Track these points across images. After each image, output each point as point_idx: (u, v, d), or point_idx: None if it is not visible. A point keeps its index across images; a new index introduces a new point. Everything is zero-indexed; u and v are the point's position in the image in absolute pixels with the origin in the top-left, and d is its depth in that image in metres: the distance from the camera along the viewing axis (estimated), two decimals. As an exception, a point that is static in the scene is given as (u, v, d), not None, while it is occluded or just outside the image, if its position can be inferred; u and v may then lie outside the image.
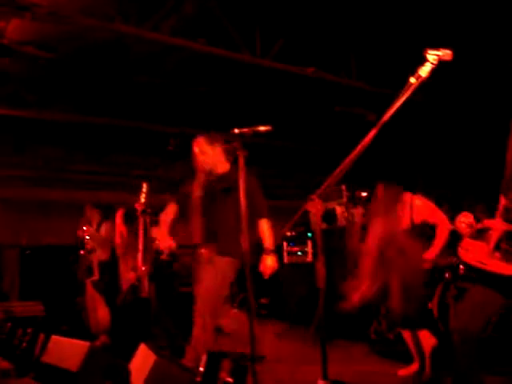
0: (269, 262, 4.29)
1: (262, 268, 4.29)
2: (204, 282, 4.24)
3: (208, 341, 4.09)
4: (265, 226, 4.38)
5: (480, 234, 3.17)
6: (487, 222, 3.22)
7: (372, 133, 2.59)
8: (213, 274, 4.23)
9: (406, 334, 4.77)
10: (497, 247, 3.07)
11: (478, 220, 3.18)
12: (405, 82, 2.51)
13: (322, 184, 2.65)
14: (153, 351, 3.43)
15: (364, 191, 7.38)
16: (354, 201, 7.42)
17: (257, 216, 4.33)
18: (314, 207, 2.63)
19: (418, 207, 4.60)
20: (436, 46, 2.47)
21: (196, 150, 4.49)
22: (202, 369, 3.10)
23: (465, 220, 3.15)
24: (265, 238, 4.36)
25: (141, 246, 5.55)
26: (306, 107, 8.18)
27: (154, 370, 3.22)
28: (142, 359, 3.52)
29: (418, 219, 4.57)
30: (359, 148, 2.60)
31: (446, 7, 5.67)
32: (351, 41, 6.81)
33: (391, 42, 6.45)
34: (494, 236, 3.11)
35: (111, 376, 3.61)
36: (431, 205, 4.64)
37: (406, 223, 4.59)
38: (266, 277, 4.25)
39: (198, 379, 3.08)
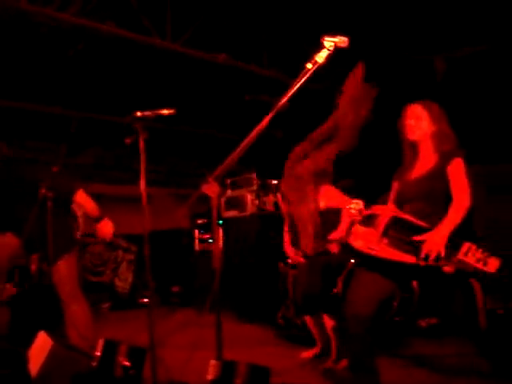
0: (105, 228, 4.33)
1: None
2: None
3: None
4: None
5: (369, 220, 3.28)
6: (376, 208, 3.33)
7: (267, 117, 2.64)
8: None
9: (308, 318, 4.89)
10: (385, 233, 3.17)
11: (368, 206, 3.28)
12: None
13: (219, 167, 2.66)
14: (51, 338, 3.37)
15: (275, 179, 7.48)
16: (265, 189, 7.51)
17: None
18: (210, 189, 2.64)
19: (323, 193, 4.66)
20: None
21: None
22: (98, 353, 3.06)
23: (355, 207, 3.24)
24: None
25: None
26: (214, 93, 8.15)
27: (50, 355, 3.17)
28: (40, 346, 3.45)
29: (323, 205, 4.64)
30: (255, 132, 2.63)
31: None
32: (263, 29, 6.86)
33: (300, 29, 6.54)
34: (382, 222, 3.23)
35: (8, 363, 3.52)
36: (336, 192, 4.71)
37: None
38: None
39: (95, 364, 3.05)
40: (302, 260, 4.75)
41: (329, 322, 4.68)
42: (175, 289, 9.82)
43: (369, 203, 3.30)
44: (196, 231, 8.67)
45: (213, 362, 2.40)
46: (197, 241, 8.67)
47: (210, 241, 8.42)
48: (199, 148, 10.53)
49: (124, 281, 11.53)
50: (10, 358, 3.50)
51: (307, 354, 4.92)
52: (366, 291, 3.22)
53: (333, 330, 4.64)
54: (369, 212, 3.28)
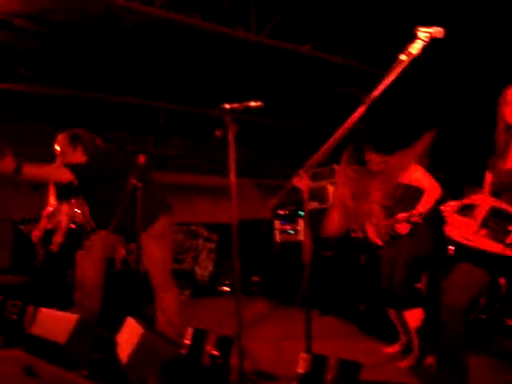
0: None
1: None
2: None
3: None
4: None
5: (467, 211, 3.18)
6: (475, 198, 3.22)
7: (361, 110, 2.59)
8: None
9: (392, 312, 4.81)
10: (484, 224, 3.07)
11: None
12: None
13: (310, 160, 2.65)
14: (140, 324, 3.46)
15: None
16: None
17: None
18: (301, 182, 2.63)
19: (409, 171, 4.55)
20: (429, 25, 2.47)
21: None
22: (187, 342, 3.12)
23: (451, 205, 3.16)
24: None
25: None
26: (299, 85, 8.14)
27: (140, 342, 3.25)
28: (129, 332, 3.54)
29: (407, 180, 4.53)
30: (347, 124, 2.60)
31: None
32: (347, 19, 6.78)
33: (386, 20, 6.42)
34: (481, 212, 3.13)
35: (99, 348, 3.64)
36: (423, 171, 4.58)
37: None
38: None
39: (184, 352, 3.11)
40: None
41: (411, 318, 4.58)
42: (255, 278, 9.92)
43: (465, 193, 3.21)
44: (276, 222, 8.69)
45: (303, 355, 2.40)
46: (277, 232, 8.70)
47: (291, 232, 8.43)
48: (282, 140, 10.57)
49: (204, 269, 11.77)
50: (102, 344, 3.62)
51: (391, 349, 4.85)
52: (462, 282, 3.15)
53: (416, 325, 4.54)
54: (467, 202, 3.18)
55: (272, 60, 7.17)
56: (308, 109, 9.09)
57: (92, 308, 4.54)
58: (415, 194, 4.49)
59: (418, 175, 4.50)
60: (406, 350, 4.69)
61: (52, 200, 6.35)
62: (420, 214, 4.17)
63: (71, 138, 4.53)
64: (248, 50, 6.84)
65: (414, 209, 4.34)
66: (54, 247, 5.91)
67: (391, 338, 4.95)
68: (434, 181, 4.50)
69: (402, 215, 4.32)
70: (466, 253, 3.14)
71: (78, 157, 4.48)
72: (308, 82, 7.99)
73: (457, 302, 3.09)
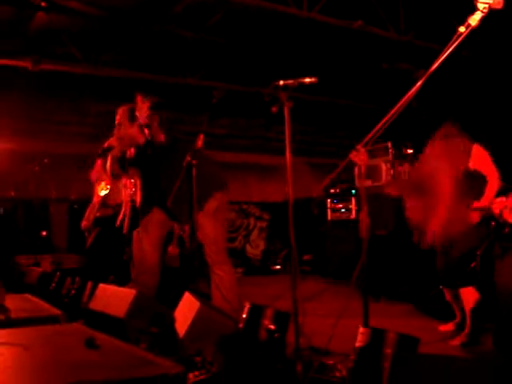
0: None
1: None
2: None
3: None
4: None
5: None
6: None
7: (418, 85, 2.56)
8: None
9: (447, 291, 4.77)
10: None
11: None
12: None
13: (367, 136, 2.64)
14: (197, 299, 3.51)
15: (410, 148, 7.29)
16: (400, 158, 7.34)
17: None
18: (359, 158, 2.63)
19: (475, 155, 4.46)
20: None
21: None
22: (244, 316, 3.17)
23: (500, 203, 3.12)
24: None
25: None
26: (351, 62, 8.05)
27: (197, 317, 3.31)
28: (187, 307, 3.61)
29: (472, 165, 4.45)
30: (404, 100, 2.58)
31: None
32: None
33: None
34: None
35: (157, 323, 3.72)
36: (487, 156, 4.49)
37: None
38: None
39: (241, 326, 3.15)
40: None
41: (466, 296, 4.53)
42: (306, 257, 9.95)
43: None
44: (328, 200, 8.68)
45: (362, 329, 2.41)
46: (329, 210, 8.68)
47: (343, 210, 8.41)
48: (334, 117, 10.49)
49: (256, 247, 11.87)
50: (160, 318, 3.70)
51: (446, 327, 4.81)
52: None
53: (471, 304, 4.49)
54: None
55: (325, 37, 7.11)
56: (362, 86, 8.98)
57: (150, 284, 4.64)
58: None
59: (483, 159, 4.42)
60: (460, 328, 4.65)
61: (104, 185, 6.50)
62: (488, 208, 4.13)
63: (130, 112, 4.62)
64: (300, 27, 6.80)
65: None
66: (116, 224, 6.07)
67: (447, 317, 4.91)
68: (495, 168, 4.41)
69: (477, 204, 4.28)
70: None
71: (135, 131, 4.57)
72: (362, 59, 7.89)
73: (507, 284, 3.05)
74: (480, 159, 4.45)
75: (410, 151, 7.25)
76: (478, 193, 4.34)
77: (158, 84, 8.24)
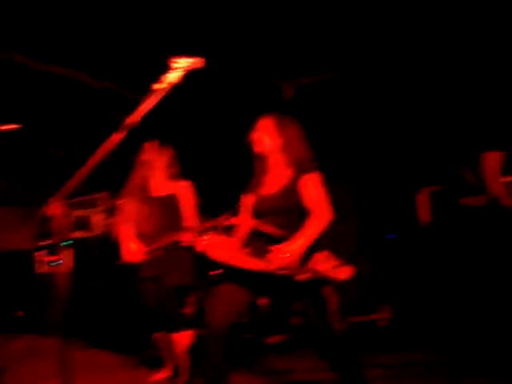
0: None
1: None
2: None
3: None
4: None
5: (229, 231, 3.27)
6: (237, 220, 3.34)
7: (118, 136, 2.53)
8: None
9: (159, 337, 4.73)
10: (245, 244, 3.23)
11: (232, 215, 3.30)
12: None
13: (63, 187, 2.51)
14: None
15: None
16: (113, 209, 7.31)
17: None
18: (53, 210, 2.48)
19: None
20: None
21: None
22: None
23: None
24: None
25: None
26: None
27: None
28: None
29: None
30: (103, 151, 2.51)
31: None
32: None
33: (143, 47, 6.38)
34: (242, 233, 3.26)
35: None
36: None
37: None
38: None
39: None
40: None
41: (180, 341, 4.57)
42: (20, 313, 9.25)
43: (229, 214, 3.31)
44: (38, 253, 8.27)
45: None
46: (40, 263, 8.26)
47: (54, 263, 8.04)
48: (34, 165, 9.92)
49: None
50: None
51: (158, 376, 4.77)
52: (224, 303, 3.19)
53: (185, 349, 4.54)
54: (227, 223, 3.28)
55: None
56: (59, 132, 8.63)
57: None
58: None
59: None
60: (175, 375, 4.66)
61: None
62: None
63: None
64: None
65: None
66: None
67: (156, 365, 4.88)
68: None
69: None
70: (229, 272, 3.24)
71: None
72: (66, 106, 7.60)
73: (216, 324, 3.11)
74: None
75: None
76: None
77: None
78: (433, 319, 5.58)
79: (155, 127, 4.66)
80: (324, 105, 7.06)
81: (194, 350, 4.48)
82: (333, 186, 6.05)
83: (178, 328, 4.54)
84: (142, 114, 2.55)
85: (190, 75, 2.51)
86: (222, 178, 6.75)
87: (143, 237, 4.52)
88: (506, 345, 4.01)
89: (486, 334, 4.52)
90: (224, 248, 3.20)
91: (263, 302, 5.44)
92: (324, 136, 6.96)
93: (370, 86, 6.82)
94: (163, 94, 2.53)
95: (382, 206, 6.91)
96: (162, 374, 4.79)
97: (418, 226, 6.23)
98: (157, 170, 4.64)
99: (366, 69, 6.63)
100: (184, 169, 4.76)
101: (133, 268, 4.63)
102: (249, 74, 6.66)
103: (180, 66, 2.47)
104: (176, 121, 7.27)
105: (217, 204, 4.54)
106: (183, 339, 4.55)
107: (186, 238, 4.29)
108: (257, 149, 3.40)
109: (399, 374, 4.42)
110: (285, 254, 3.00)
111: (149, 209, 4.57)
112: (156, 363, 4.91)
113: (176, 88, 2.55)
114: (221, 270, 3.90)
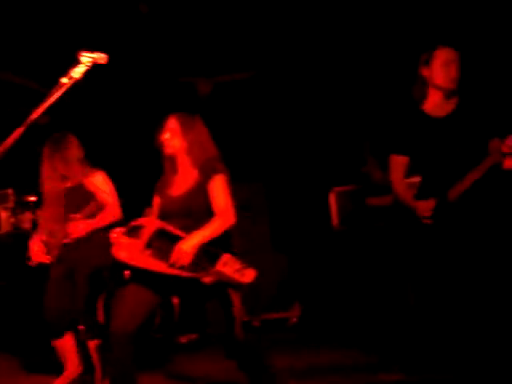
0: None
1: None
2: None
3: None
4: None
5: (134, 232, 3.24)
6: (141, 220, 3.31)
7: (18, 131, 2.43)
8: None
9: (58, 340, 4.56)
10: (149, 245, 3.17)
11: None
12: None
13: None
14: None
15: (33, 196, 7.05)
16: (21, 206, 7.05)
17: None
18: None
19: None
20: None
21: None
22: None
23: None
24: None
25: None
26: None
27: None
28: None
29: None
30: (5, 145, 2.41)
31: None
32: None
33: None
34: (147, 233, 3.22)
35: None
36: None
37: None
38: None
39: None
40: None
41: (90, 342, 4.46)
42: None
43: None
44: None
45: None
46: None
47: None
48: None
49: None
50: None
51: (60, 381, 4.58)
52: (127, 306, 3.17)
53: (95, 348, 4.43)
54: (134, 224, 3.25)
55: None
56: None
57: None
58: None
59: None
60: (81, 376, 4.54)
61: None
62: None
63: None
64: None
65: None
66: None
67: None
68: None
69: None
70: (134, 273, 3.23)
71: None
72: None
73: (121, 327, 3.09)
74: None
75: (33, 199, 7.01)
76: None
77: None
78: (342, 316, 5.73)
79: (64, 125, 4.57)
80: (241, 103, 7.12)
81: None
82: (247, 184, 6.14)
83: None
84: (45, 108, 2.47)
85: (100, 72, 2.46)
86: (136, 178, 6.66)
87: (53, 232, 4.40)
88: (405, 338, 4.15)
89: (393, 331, 4.67)
90: (128, 249, 3.17)
91: (175, 301, 5.42)
92: (240, 134, 7.03)
93: (286, 86, 6.92)
94: (67, 88, 2.46)
95: (296, 204, 7.03)
96: (66, 377, 4.61)
97: (330, 224, 6.36)
98: (67, 161, 4.48)
99: (283, 69, 6.73)
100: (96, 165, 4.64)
101: (44, 268, 4.49)
102: (160, 70, 6.64)
103: (84, 61, 2.41)
104: (88, 118, 7.17)
105: (130, 205, 4.49)
106: (91, 340, 4.45)
107: (71, 229, 4.25)
108: (164, 150, 3.38)
109: (308, 372, 4.49)
110: (183, 254, 3.02)
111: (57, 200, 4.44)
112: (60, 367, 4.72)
113: (87, 84, 2.49)
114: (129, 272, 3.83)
